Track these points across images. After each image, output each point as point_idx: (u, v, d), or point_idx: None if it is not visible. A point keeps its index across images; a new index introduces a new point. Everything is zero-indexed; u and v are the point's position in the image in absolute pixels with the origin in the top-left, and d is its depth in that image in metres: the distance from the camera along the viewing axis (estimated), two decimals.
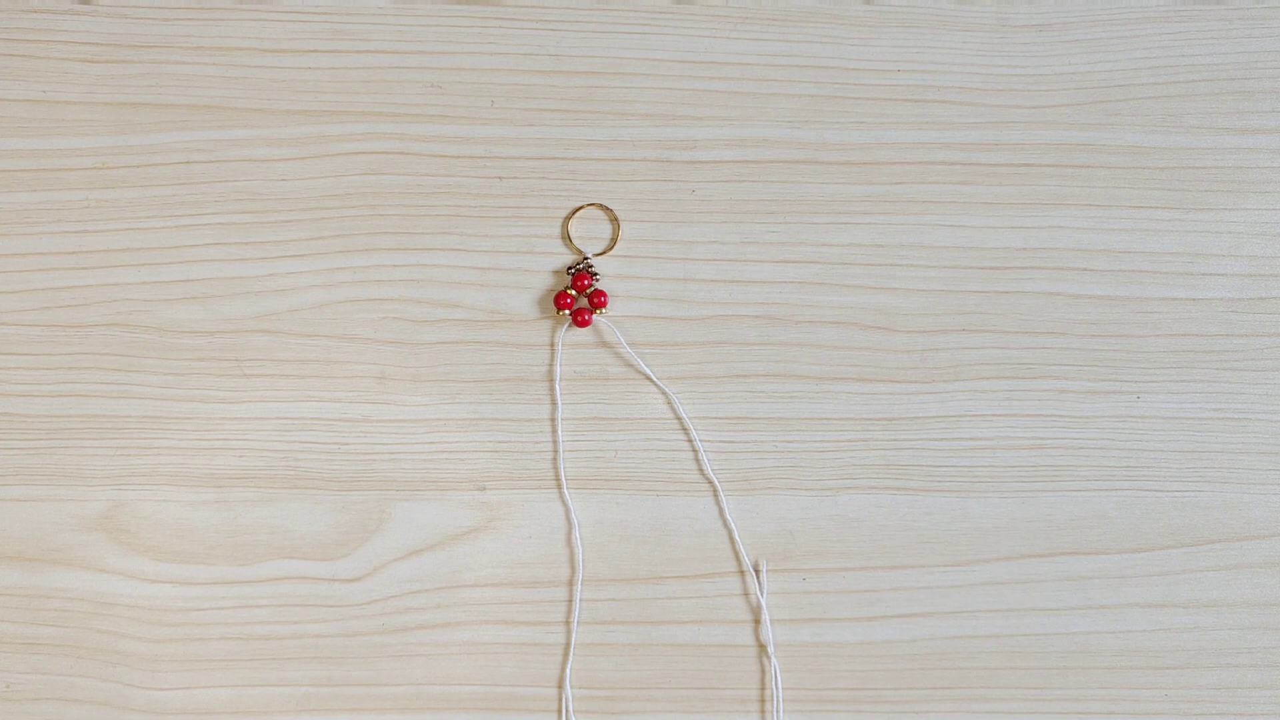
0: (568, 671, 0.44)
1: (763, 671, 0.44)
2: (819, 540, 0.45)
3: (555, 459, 0.45)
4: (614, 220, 0.47)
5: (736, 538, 0.44)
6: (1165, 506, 0.45)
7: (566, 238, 0.47)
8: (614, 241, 0.47)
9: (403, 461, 0.45)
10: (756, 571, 0.44)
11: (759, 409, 0.46)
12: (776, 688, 0.43)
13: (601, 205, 0.47)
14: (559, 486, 0.45)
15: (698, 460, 0.45)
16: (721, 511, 0.45)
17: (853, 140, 0.48)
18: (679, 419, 0.46)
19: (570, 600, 0.44)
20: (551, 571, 0.44)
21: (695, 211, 0.47)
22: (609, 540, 0.45)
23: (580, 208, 0.47)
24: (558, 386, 0.46)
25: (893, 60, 0.49)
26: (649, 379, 0.46)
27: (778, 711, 0.43)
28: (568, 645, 0.44)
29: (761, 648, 0.44)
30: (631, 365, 0.46)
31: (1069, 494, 0.45)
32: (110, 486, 0.45)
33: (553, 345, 0.46)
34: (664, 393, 0.46)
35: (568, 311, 0.45)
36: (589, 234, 0.47)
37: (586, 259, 0.46)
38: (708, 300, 0.46)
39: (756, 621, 0.44)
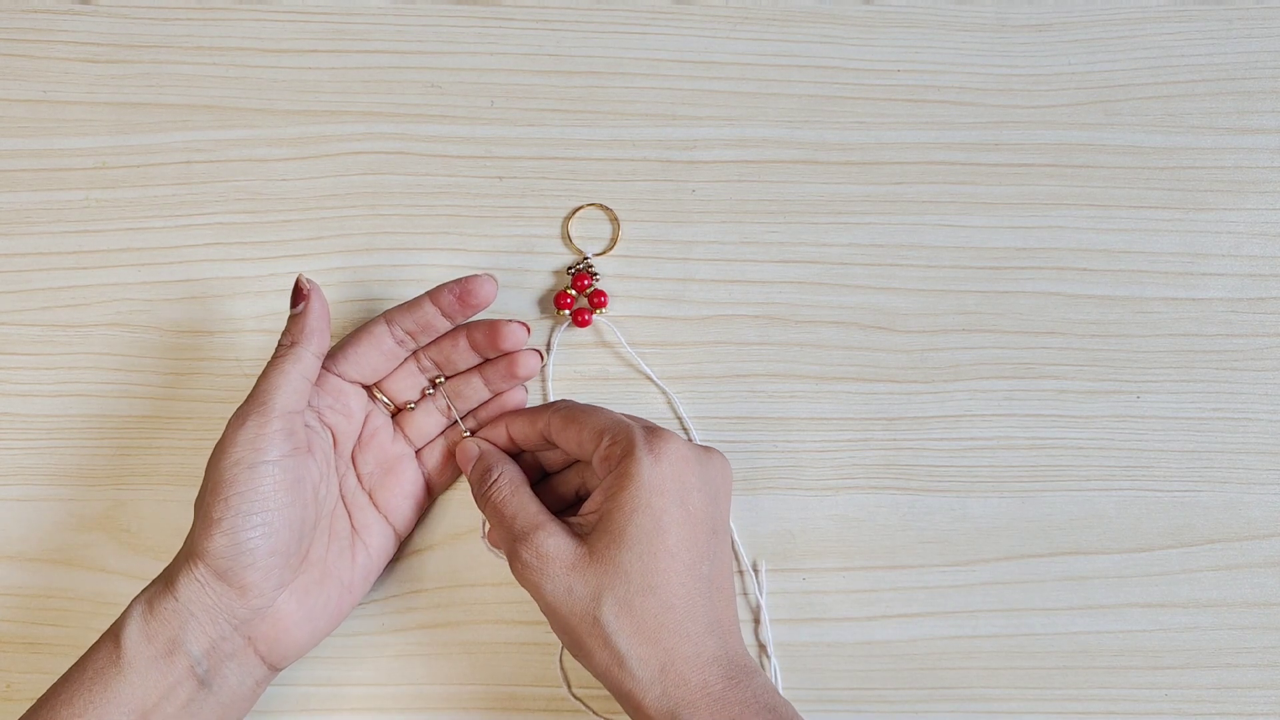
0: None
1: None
2: (819, 540, 0.45)
3: None
4: (614, 220, 0.47)
5: (736, 538, 0.44)
6: (1165, 506, 0.45)
7: (566, 238, 0.47)
8: (614, 241, 0.47)
9: None
10: (755, 571, 0.44)
11: (759, 409, 0.46)
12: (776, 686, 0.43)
13: (601, 205, 0.47)
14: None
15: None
16: None
17: (853, 140, 0.48)
18: (679, 419, 0.46)
19: None
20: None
21: (695, 211, 0.47)
22: None
23: (580, 208, 0.47)
24: (550, 385, 0.46)
25: (893, 60, 0.49)
26: (649, 379, 0.46)
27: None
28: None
29: (761, 647, 0.44)
30: (631, 365, 0.46)
31: (1069, 494, 0.45)
32: (110, 486, 0.45)
33: (549, 345, 0.46)
34: (664, 392, 0.46)
35: (568, 311, 0.45)
36: (589, 234, 0.47)
37: (586, 259, 0.46)
38: (708, 300, 0.46)
39: (756, 621, 0.44)
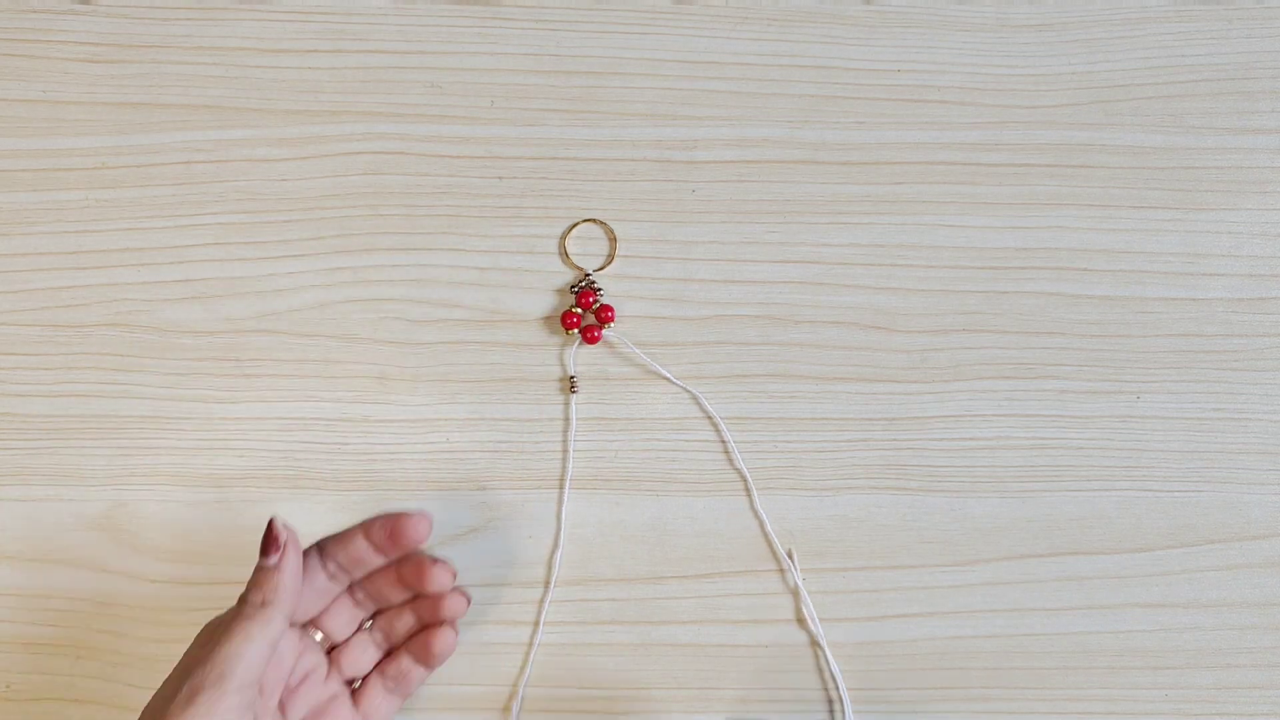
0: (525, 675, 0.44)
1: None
2: (819, 540, 0.45)
3: (564, 458, 0.45)
4: (610, 236, 0.47)
5: (769, 529, 0.44)
6: (1165, 506, 0.45)
7: (564, 254, 0.47)
8: (611, 258, 0.47)
9: (403, 461, 0.45)
10: (790, 556, 0.44)
11: (759, 409, 0.46)
12: (837, 684, 0.43)
13: (597, 220, 0.47)
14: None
15: (728, 453, 0.45)
16: (752, 503, 0.45)
17: (853, 140, 0.48)
18: (709, 417, 0.45)
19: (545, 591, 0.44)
20: (552, 572, 0.44)
21: (695, 211, 0.47)
22: (609, 540, 0.44)
23: (576, 224, 0.47)
24: (573, 407, 0.46)
25: (893, 60, 0.49)
26: (670, 381, 0.46)
27: (842, 707, 0.43)
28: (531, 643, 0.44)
29: (812, 641, 0.44)
30: (640, 365, 0.46)
31: (1069, 494, 0.45)
32: (110, 486, 0.45)
33: (563, 365, 0.46)
34: (689, 393, 0.46)
35: (577, 330, 0.45)
36: (586, 250, 0.47)
37: (588, 275, 0.46)
38: (708, 300, 0.46)
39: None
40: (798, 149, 0.48)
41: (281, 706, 0.37)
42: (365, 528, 0.38)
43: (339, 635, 0.39)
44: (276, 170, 0.47)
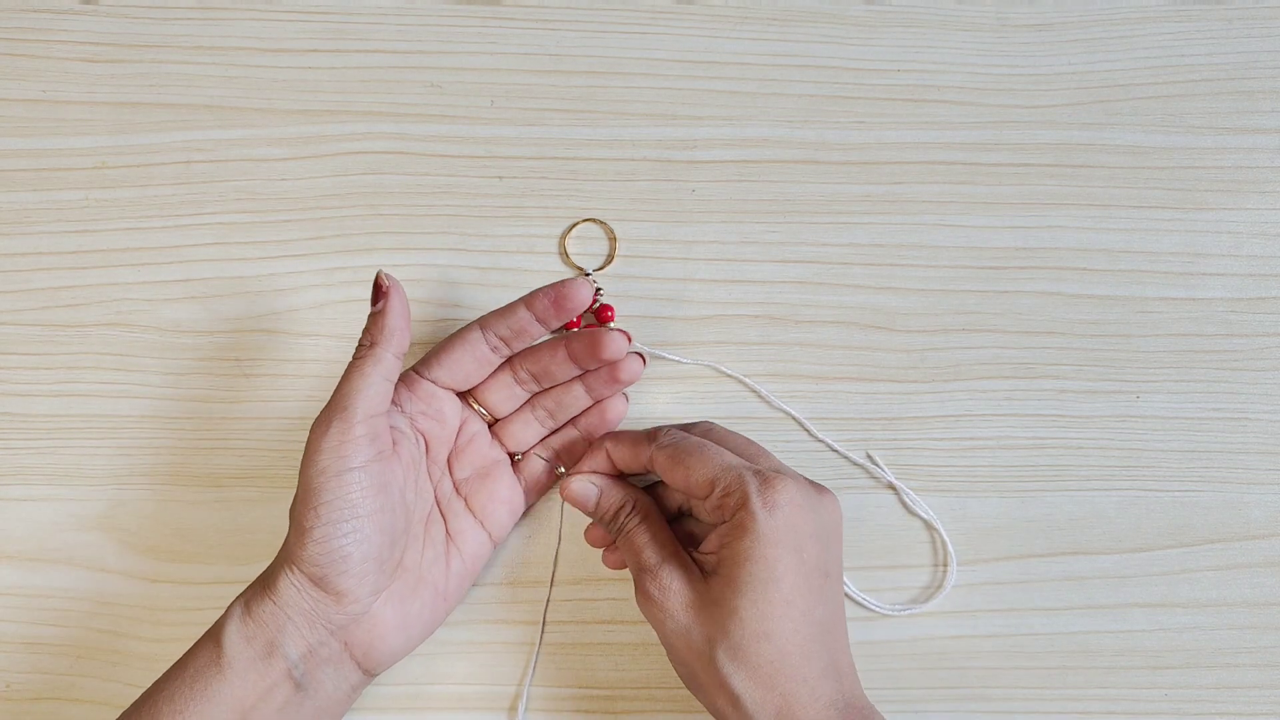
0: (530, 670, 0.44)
1: None
2: None
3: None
4: (610, 236, 0.47)
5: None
6: (1165, 506, 0.45)
7: (564, 254, 0.47)
8: (611, 258, 0.47)
9: None
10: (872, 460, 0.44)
11: (759, 409, 0.46)
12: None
13: (596, 220, 0.47)
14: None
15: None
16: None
17: (853, 140, 0.48)
18: (741, 381, 0.46)
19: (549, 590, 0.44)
20: (551, 571, 0.44)
21: (695, 211, 0.47)
22: None
23: (576, 224, 0.47)
24: None
25: (893, 60, 0.49)
26: (679, 362, 0.46)
27: None
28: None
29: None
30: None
31: (1069, 494, 0.45)
32: (110, 486, 0.45)
33: None
34: (719, 371, 0.46)
35: (577, 330, 0.45)
36: (586, 250, 0.47)
37: (588, 275, 0.46)
38: (708, 300, 0.47)
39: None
40: (798, 149, 0.48)
41: (449, 464, 0.42)
42: (527, 300, 0.41)
43: (501, 411, 0.43)
44: (276, 170, 0.47)
